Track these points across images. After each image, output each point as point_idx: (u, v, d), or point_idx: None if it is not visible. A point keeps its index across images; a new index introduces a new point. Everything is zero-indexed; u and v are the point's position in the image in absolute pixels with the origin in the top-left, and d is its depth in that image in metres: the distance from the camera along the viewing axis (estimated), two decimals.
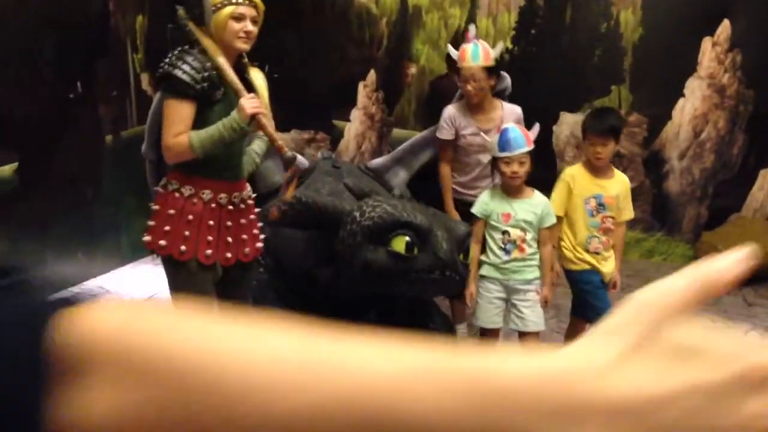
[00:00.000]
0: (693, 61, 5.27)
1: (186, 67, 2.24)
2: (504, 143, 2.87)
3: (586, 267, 3.06)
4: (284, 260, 2.98)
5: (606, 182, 3.06)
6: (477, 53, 3.21)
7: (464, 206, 3.32)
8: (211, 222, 2.37)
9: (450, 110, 3.40)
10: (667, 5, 5.29)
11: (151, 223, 2.38)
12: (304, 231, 2.76)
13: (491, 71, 3.27)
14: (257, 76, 2.47)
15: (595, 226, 3.05)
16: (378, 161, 3.57)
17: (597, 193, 3.04)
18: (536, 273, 2.95)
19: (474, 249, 2.94)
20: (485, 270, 2.99)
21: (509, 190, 2.94)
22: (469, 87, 3.24)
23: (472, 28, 3.34)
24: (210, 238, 2.36)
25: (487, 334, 3.02)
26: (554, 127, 5.51)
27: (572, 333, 3.27)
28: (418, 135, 3.71)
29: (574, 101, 5.48)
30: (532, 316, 2.93)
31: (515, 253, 2.91)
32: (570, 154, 5.56)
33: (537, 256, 2.95)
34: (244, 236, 2.49)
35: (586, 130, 3.07)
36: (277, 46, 5.53)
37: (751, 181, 5.37)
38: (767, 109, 5.16)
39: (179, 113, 2.27)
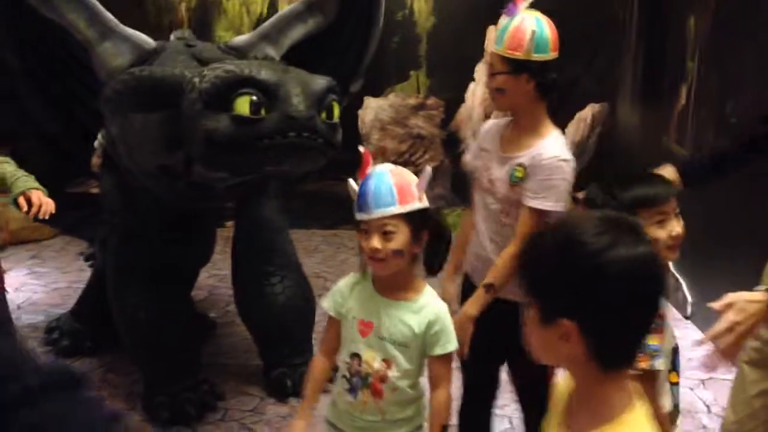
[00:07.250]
0: (480, 47, 5.71)
1: None
2: (360, 198, 1.65)
3: None
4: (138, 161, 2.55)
5: None
6: (503, 34, 1.97)
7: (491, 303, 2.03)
8: None
9: (488, 122, 2.33)
10: None
11: None
12: (149, 113, 2.32)
13: (524, 68, 1.95)
14: None
15: None
16: (242, 38, 2.99)
17: None
18: None
19: (318, 359, 1.89)
20: (328, 412, 1.84)
21: (377, 282, 1.74)
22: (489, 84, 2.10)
23: None
24: None
25: None
26: (359, 111, 5.73)
27: None
28: (285, 8, 3.18)
29: (377, 86, 5.72)
30: None
31: (364, 396, 1.69)
32: (375, 137, 5.82)
33: (414, 412, 1.75)
34: None
35: None
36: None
37: None
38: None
39: None
